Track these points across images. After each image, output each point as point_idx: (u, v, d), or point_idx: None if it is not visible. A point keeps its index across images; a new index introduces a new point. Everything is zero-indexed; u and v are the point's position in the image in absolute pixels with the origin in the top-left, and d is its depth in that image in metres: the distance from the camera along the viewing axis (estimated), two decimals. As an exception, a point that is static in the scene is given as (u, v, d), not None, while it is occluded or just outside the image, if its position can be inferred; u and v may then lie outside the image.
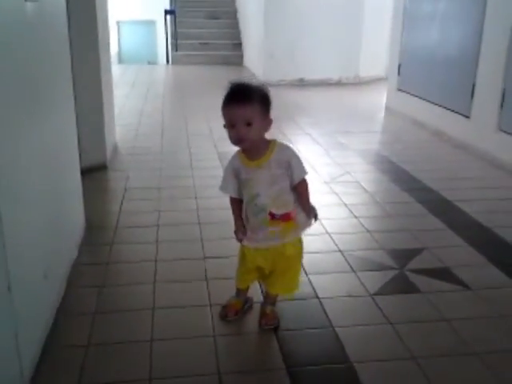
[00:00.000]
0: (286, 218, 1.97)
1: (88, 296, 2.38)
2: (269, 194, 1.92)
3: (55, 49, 2.60)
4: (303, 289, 2.42)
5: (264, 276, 2.14)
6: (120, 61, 11.71)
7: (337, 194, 3.66)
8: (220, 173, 3.95)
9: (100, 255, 2.78)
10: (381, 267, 2.65)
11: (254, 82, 1.92)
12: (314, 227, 3.08)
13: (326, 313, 2.24)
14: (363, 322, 2.20)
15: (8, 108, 1.75)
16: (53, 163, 2.40)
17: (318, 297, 2.36)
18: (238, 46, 11.52)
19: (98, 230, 3.09)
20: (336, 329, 2.13)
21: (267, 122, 1.90)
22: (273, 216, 1.94)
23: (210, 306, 2.28)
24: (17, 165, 1.82)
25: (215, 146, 4.81)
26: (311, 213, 2.05)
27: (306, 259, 2.68)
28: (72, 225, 2.80)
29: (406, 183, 3.91)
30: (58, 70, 2.66)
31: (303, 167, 1.95)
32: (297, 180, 1.94)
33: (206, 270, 2.56)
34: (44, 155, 2.23)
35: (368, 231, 3.06)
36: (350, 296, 2.38)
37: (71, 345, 2.05)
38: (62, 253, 2.49)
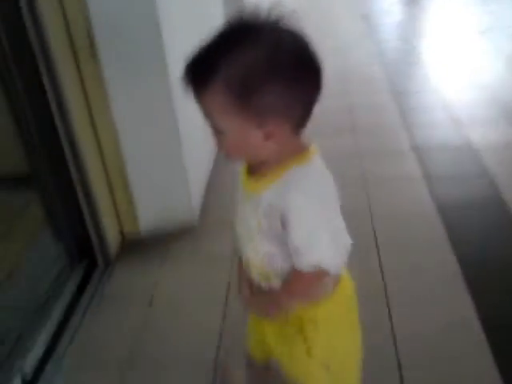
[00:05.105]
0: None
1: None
2: (251, 255, 0.93)
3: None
4: (456, 139, 2.33)
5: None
6: None
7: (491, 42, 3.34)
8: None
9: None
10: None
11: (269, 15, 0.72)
12: (465, 78, 2.88)
13: (482, 162, 2.13)
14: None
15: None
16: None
17: (472, 147, 2.25)
18: None
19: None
20: (494, 178, 2.03)
21: (272, 131, 0.75)
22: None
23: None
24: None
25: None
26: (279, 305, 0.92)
27: (458, 111, 2.55)
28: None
29: None
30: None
31: (318, 248, 0.81)
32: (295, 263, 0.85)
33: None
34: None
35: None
36: (508, 148, 2.23)
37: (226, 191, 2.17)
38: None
